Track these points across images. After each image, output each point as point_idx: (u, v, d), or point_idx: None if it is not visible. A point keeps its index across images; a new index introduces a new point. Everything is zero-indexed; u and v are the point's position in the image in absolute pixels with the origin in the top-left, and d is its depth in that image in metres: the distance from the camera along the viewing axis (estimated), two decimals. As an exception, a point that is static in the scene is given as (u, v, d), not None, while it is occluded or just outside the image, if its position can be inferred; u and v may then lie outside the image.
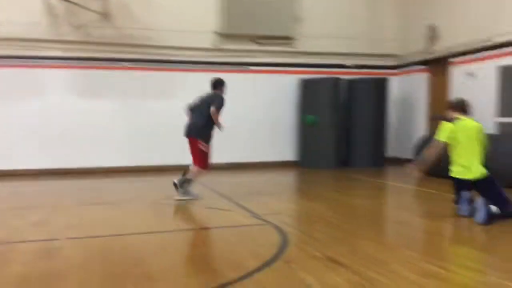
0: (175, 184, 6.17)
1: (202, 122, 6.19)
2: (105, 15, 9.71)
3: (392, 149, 11.63)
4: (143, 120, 10.27)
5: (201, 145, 6.15)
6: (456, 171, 5.09)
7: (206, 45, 10.66)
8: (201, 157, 6.19)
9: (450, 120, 5.23)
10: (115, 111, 10.15)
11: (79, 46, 9.88)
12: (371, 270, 3.21)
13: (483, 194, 4.86)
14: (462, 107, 5.26)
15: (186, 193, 6.17)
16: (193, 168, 6.24)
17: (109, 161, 10.04)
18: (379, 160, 10.66)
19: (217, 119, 6.15)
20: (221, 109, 6.21)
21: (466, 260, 3.46)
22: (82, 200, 6.45)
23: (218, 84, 6.49)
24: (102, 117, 10.06)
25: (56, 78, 9.81)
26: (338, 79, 10.84)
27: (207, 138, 6.24)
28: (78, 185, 8.18)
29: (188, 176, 6.23)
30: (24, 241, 4.21)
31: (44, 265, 3.46)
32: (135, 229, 4.76)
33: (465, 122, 5.14)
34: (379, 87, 10.84)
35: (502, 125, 8.63)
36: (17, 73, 9.56)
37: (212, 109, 6.10)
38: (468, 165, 4.99)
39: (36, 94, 9.71)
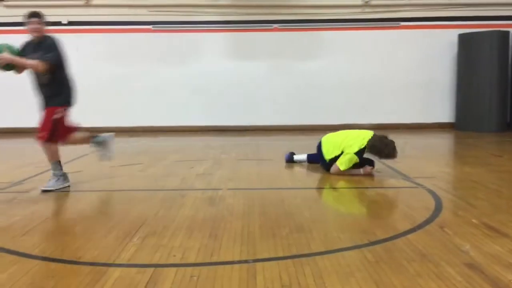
0: None
1: None
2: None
3: None
4: (292, 81, 10.51)
5: None
6: None
7: (355, 1, 10.37)
8: None
9: None
10: (266, 72, 10.54)
11: (231, 10, 10.36)
12: (538, 242, 2.98)
13: None
14: None
15: None
16: None
17: (261, 120, 10.55)
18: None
19: None
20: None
21: None
22: (240, 155, 6.94)
23: None
24: (255, 79, 10.53)
25: (212, 42, 10.46)
26: (506, 32, 9.75)
27: None
28: (235, 141, 8.77)
29: None
30: (192, 189, 4.73)
31: (210, 211, 3.88)
32: (287, 184, 5.02)
33: None
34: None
35: None
36: (177, 37, 10.42)
37: None
38: None
39: (194, 57, 10.51)
